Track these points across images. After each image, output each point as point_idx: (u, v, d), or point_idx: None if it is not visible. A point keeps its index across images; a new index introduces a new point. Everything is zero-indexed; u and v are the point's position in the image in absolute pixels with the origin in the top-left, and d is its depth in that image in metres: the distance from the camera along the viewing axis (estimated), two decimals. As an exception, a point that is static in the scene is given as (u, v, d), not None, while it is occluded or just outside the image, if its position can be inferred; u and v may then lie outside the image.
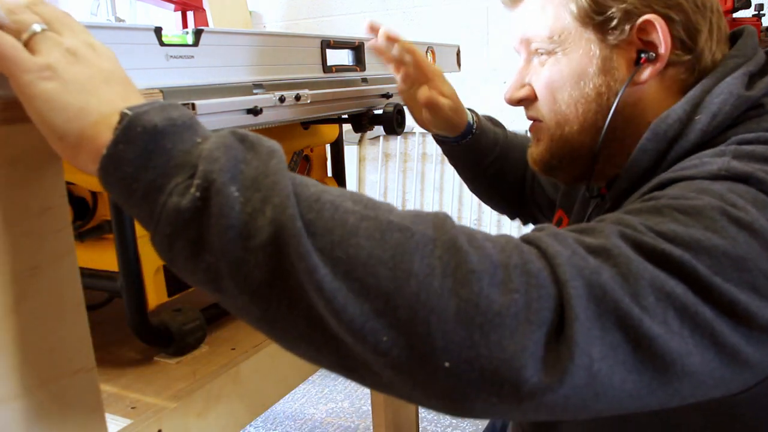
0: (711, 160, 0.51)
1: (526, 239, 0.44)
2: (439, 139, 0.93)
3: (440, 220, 0.41)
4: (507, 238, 0.43)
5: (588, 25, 0.60)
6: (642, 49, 0.59)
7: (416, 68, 0.84)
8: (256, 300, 0.38)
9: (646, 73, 0.59)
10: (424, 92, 0.84)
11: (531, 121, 0.69)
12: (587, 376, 0.38)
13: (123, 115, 0.40)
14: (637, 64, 0.60)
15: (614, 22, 0.59)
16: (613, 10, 0.58)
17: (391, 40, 0.82)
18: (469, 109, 0.90)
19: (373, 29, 0.83)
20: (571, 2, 0.60)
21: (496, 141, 0.92)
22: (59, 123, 0.40)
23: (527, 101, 0.67)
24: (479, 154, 0.92)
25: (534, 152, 0.69)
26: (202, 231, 0.38)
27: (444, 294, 0.37)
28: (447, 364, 0.37)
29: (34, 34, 0.42)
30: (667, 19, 0.58)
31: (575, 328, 0.38)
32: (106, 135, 0.40)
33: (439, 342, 0.37)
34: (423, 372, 0.38)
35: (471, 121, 0.89)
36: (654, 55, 0.59)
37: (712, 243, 0.43)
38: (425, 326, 0.37)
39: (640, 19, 0.58)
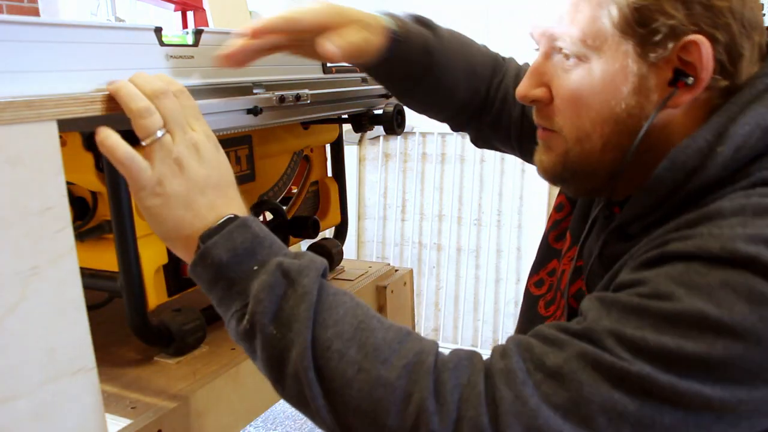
0: (719, 231, 0.47)
1: (488, 372, 0.49)
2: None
3: (421, 369, 0.48)
4: (474, 383, 0.48)
5: (628, 36, 0.53)
6: (679, 70, 0.53)
7: (291, 36, 0.66)
8: (289, 401, 0.52)
9: (683, 98, 0.54)
10: (323, 46, 0.65)
11: (540, 127, 0.63)
12: None
13: (198, 245, 0.51)
14: (672, 84, 0.54)
15: (658, 37, 0.52)
16: (659, 23, 0.51)
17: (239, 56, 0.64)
18: (388, 15, 0.71)
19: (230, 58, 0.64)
20: (612, 5, 0.53)
21: (426, 50, 0.73)
22: (161, 233, 0.53)
23: (540, 102, 0.61)
24: (406, 69, 0.73)
25: (544, 161, 0.63)
26: (254, 348, 0.51)
27: None
28: None
29: (154, 141, 0.51)
30: (712, 40, 0.52)
31: None
32: (191, 252, 0.52)
33: None
34: None
35: (394, 36, 0.70)
36: (693, 79, 0.53)
37: (683, 351, 0.44)
38: None
39: (686, 39, 0.51)
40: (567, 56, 0.56)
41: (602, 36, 0.54)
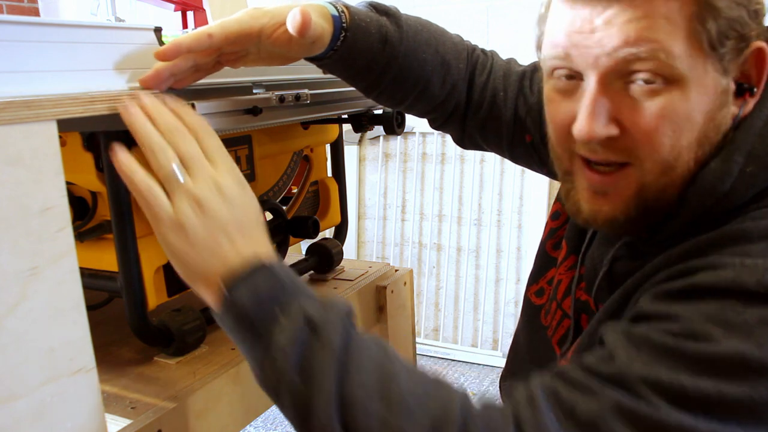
0: (752, 261, 0.46)
1: (518, 424, 0.47)
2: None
3: (447, 425, 0.46)
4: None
5: (715, 54, 0.49)
6: (740, 81, 0.51)
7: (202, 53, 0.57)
8: None
9: (747, 108, 0.51)
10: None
11: (598, 163, 0.54)
12: None
13: (222, 292, 0.50)
14: (739, 95, 0.52)
15: (732, 51, 0.49)
16: (735, 35, 0.49)
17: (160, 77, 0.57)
18: (331, 3, 0.63)
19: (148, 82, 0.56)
20: (699, 23, 0.48)
21: (384, 38, 0.65)
22: (181, 271, 0.52)
23: (612, 139, 0.52)
24: (362, 62, 0.66)
25: (605, 210, 0.55)
26: (281, 399, 0.49)
27: None
28: None
29: (171, 178, 0.50)
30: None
31: None
32: (214, 296, 0.51)
33: None
34: None
35: (337, 28, 0.62)
36: (755, 89, 0.51)
37: (725, 396, 0.42)
38: None
39: (754, 47, 0.50)
40: (648, 80, 0.49)
41: (688, 57, 0.48)
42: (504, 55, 0.81)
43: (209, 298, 0.51)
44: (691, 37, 0.48)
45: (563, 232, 0.74)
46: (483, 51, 0.78)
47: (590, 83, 0.51)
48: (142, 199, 0.50)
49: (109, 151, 0.50)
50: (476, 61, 0.76)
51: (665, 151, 0.51)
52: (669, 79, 0.49)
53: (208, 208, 0.50)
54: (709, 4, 0.48)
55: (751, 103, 0.52)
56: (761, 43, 0.50)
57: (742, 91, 0.51)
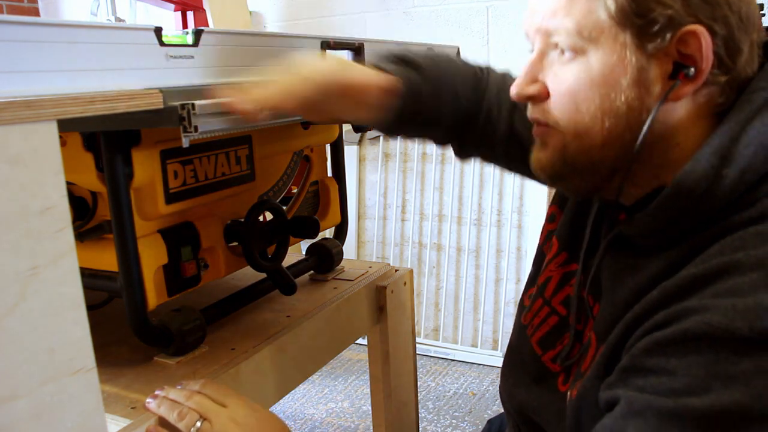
0: (743, 303, 0.46)
1: None
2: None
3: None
4: None
5: (626, 26, 0.52)
6: (679, 63, 0.52)
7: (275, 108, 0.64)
8: None
9: (684, 90, 0.53)
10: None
11: (535, 123, 0.61)
12: None
13: None
14: (673, 78, 0.53)
15: (656, 28, 0.51)
16: (657, 13, 0.51)
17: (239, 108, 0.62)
18: (375, 66, 0.70)
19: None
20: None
21: (417, 91, 0.70)
22: None
23: (536, 99, 0.59)
24: (405, 119, 0.71)
25: (541, 158, 0.61)
26: None
27: None
28: None
29: (197, 430, 0.61)
30: (711, 32, 0.51)
31: None
32: None
33: None
34: None
35: (401, 84, 0.69)
36: (693, 71, 0.52)
37: None
38: None
39: (684, 29, 0.51)
40: (563, 51, 0.55)
41: (599, 27, 0.53)
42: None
43: None
44: (603, 11, 0.52)
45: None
46: (481, 69, 0.79)
47: (531, 51, 0.59)
48: None
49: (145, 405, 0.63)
50: (475, 83, 0.77)
51: (572, 115, 0.56)
52: (577, 51, 0.54)
53: None
54: None
55: (689, 86, 0.53)
56: (695, 27, 0.50)
57: (678, 71, 0.53)
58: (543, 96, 0.58)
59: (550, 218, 0.76)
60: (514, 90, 0.60)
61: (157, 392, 0.65)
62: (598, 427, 0.51)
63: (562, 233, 0.71)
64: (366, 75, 0.67)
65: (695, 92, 0.53)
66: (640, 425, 0.47)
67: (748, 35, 0.53)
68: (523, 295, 0.79)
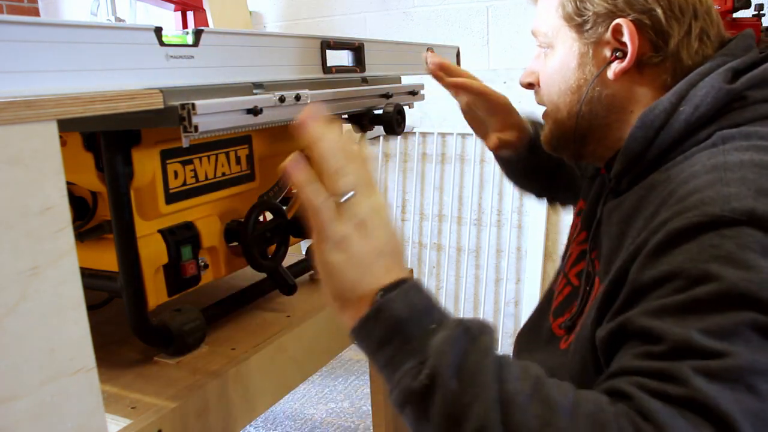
0: (708, 195, 0.53)
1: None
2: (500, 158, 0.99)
3: (604, 417, 0.46)
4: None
5: (571, 24, 0.68)
6: (619, 48, 0.66)
7: (479, 97, 0.90)
8: None
9: (614, 67, 0.66)
10: (492, 140, 0.93)
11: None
12: None
13: (375, 299, 0.51)
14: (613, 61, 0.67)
15: (590, 24, 0.67)
16: (590, 13, 0.66)
17: (445, 71, 0.90)
18: (530, 121, 0.94)
19: (431, 63, 0.91)
20: (561, 6, 0.69)
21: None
22: (336, 289, 0.53)
23: (534, 87, 0.76)
24: (537, 163, 0.95)
25: (545, 134, 0.77)
26: (427, 407, 0.48)
27: None
28: None
29: (345, 200, 0.52)
30: (639, 24, 0.64)
31: None
32: (363, 310, 0.52)
33: None
34: None
35: (532, 135, 0.92)
36: (623, 53, 0.65)
37: (757, 320, 0.47)
38: None
39: (614, 23, 0.65)
40: (542, 47, 0.73)
41: (557, 28, 0.70)
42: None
43: (352, 314, 0.53)
44: (559, 16, 0.69)
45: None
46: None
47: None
48: (315, 216, 0.52)
49: (288, 163, 0.53)
50: None
51: (549, 97, 0.73)
52: (549, 47, 0.72)
53: (370, 230, 0.53)
54: None
55: (624, 65, 0.65)
56: (621, 20, 0.64)
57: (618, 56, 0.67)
58: (536, 84, 0.76)
59: (579, 211, 0.85)
60: (520, 79, 0.78)
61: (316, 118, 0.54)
62: (632, 353, 0.52)
63: (584, 216, 0.81)
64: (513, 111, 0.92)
65: (639, 72, 0.66)
66: (667, 322, 0.49)
67: (682, 23, 0.64)
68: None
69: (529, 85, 0.77)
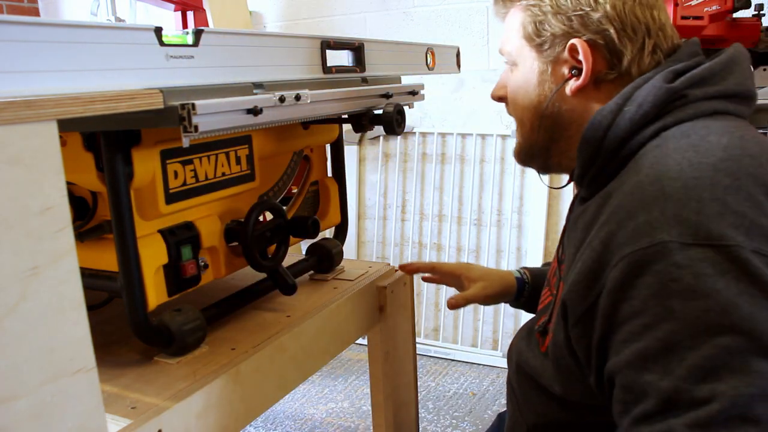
0: (650, 200, 0.57)
1: None
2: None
3: None
4: None
5: (532, 44, 0.72)
6: (576, 66, 0.70)
7: (443, 276, 1.03)
8: None
9: (571, 84, 0.70)
10: (453, 301, 0.98)
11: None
12: None
13: None
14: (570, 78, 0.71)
15: (547, 44, 0.71)
16: (548, 34, 0.70)
17: (416, 271, 1.04)
18: (518, 270, 1.02)
19: (405, 269, 1.03)
20: (522, 27, 0.72)
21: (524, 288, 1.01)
22: None
23: (503, 100, 0.80)
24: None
25: (515, 147, 0.81)
26: None
27: None
28: None
29: None
30: (593, 43, 0.68)
31: None
32: None
33: None
34: None
35: (523, 279, 1.01)
36: (579, 71, 0.69)
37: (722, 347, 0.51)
38: None
39: (569, 42, 0.69)
40: (508, 65, 0.77)
41: (519, 47, 0.74)
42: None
43: None
44: (521, 36, 0.73)
45: None
46: None
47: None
48: None
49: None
50: None
51: (515, 111, 0.78)
52: (513, 65, 0.76)
53: None
54: (529, 12, 0.71)
55: (581, 82, 0.69)
56: (577, 41, 0.68)
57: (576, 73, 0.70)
58: (504, 98, 0.80)
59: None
60: (492, 93, 0.82)
61: None
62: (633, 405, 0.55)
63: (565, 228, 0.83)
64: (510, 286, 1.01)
65: (596, 87, 0.70)
66: (654, 370, 0.52)
67: (635, 41, 0.68)
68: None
69: (500, 99, 0.80)
